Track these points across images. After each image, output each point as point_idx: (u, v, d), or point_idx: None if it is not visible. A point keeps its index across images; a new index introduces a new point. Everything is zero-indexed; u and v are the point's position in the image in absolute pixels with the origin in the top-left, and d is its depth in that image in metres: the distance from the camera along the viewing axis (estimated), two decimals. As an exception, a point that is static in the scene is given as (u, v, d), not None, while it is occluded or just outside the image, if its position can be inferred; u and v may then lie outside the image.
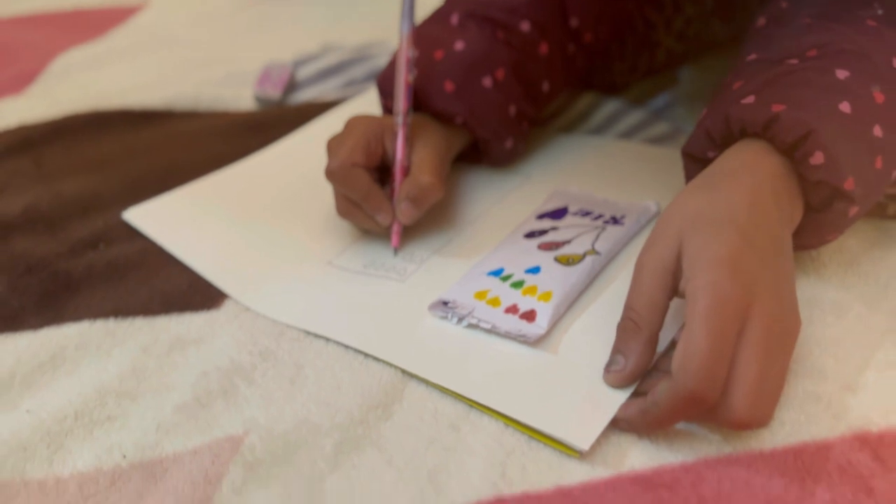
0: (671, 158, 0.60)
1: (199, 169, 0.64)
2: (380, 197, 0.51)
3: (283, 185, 0.62)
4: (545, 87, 0.60)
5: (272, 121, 0.71)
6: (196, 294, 0.52)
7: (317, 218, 0.57)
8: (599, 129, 0.67)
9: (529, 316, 0.44)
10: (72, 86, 0.80)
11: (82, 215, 0.59)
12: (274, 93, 0.75)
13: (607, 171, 0.60)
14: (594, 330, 0.44)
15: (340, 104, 0.74)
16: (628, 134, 0.66)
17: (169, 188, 0.62)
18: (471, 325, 0.45)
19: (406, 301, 0.48)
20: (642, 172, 0.59)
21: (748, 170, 0.41)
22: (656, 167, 0.60)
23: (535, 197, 0.57)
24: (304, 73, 0.80)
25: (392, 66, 0.56)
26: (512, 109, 0.58)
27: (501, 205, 0.57)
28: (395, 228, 0.52)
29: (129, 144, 0.69)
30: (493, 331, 0.44)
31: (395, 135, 0.52)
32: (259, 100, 0.76)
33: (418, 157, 0.52)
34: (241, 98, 0.76)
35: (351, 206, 0.52)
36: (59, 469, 0.40)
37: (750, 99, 0.43)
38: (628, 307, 0.40)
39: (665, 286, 0.39)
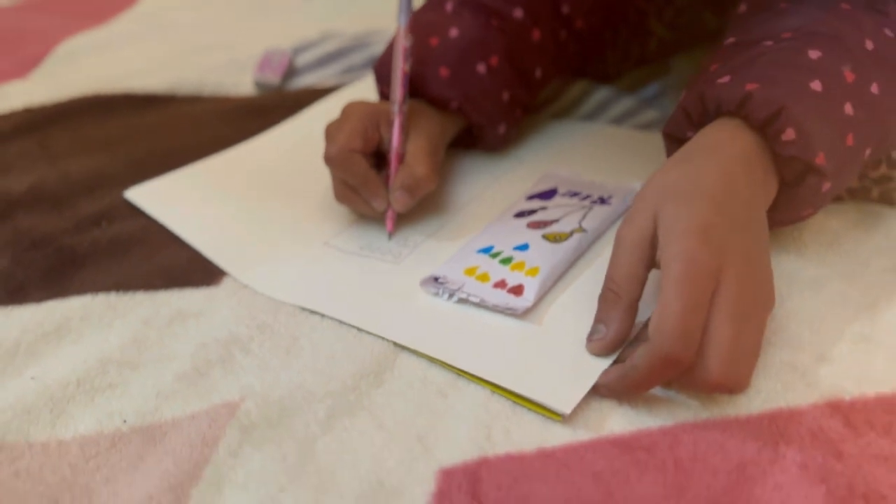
0: (658, 143, 0.61)
1: (200, 151, 0.65)
2: (376, 183, 0.52)
3: (282, 167, 0.63)
4: (538, 73, 0.62)
5: (272, 105, 0.72)
6: (196, 271, 0.53)
7: (315, 200, 0.59)
8: (591, 116, 0.68)
9: (517, 290, 0.46)
10: (76, 70, 0.82)
11: (87, 194, 0.61)
12: (274, 78, 0.76)
13: (597, 155, 0.61)
14: (579, 303, 0.45)
15: (339, 90, 0.75)
16: (619, 120, 0.67)
17: (171, 169, 0.63)
18: (461, 300, 0.47)
19: (399, 281, 0.49)
20: (630, 156, 0.60)
21: (722, 145, 0.43)
22: (644, 151, 0.61)
23: (526, 180, 0.58)
24: (303, 59, 0.81)
25: (389, 52, 0.57)
26: (505, 95, 0.59)
27: (493, 188, 0.58)
28: (390, 214, 0.53)
29: (132, 127, 0.70)
30: (481, 304, 0.46)
31: (391, 122, 0.53)
32: (259, 85, 0.77)
33: (414, 146, 0.53)
34: (241, 83, 0.78)
35: (348, 191, 0.53)
36: (61, 432, 0.41)
37: (725, 79, 0.44)
38: (609, 278, 0.42)
39: (643, 257, 0.41)
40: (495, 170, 0.61)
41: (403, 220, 0.55)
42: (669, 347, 0.36)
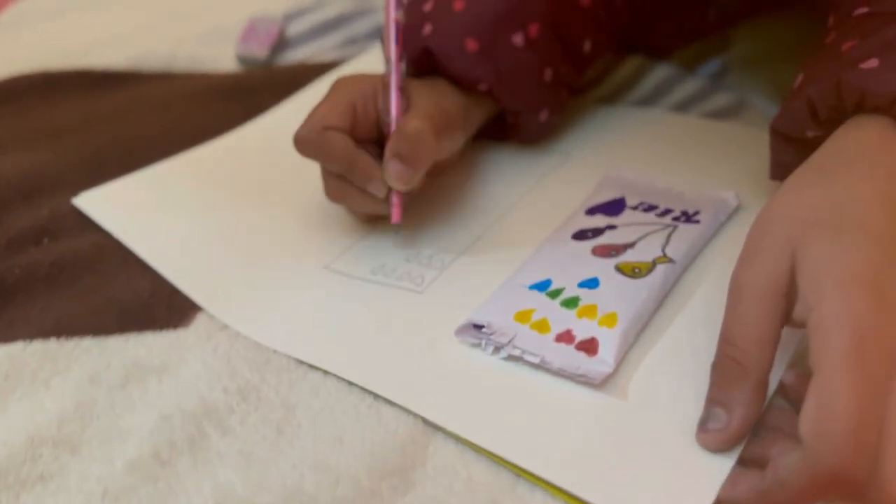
0: (740, 137, 0.50)
1: (169, 144, 0.53)
2: (367, 162, 0.40)
3: (272, 167, 0.51)
4: (587, 46, 0.50)
5: (258, 86, 0.61)
6: (160, 305, 0.41)
7: (313, 209, 0.47)
8: (647, 100, 0.57)
9: (589, 346, 0.34)
10: (23, 41, 0.69)
11: (23, 201, 0.48)
12: (260, 52, 0.65)
13: (663, 151, 0.50)
14: (673, 366, 0.34)
15: (339, 66, 0.63)
16: (683, 106, 0.56)
17: (132, 168, 0.51)
18: (511, 357, 0.35)
19: (426, 320, 0.38)
20: (707, 153, 0.49)
21: (873, 155, 0.33)
22: (723, 147, 0.49)
23: (577, 182, 0.46)
24: (295, 28, 0.69)
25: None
26: (548, 73, 0.48)
27: (536, 191, 0.47)
28: (394, 199, 0.41)
29: (87, 113, 0.58)
30: (542, 366, 0.34)
31: (386, 90, 0.42)
32: (242, 60, 0.65)
33: (412, 110, 0.42)
34: (221, 58, 0.66)
35: (340, 184, 0.42)
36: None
37: (872, 63, 0.34)
38: (727, 341, 0.31)
39: (775, 313, 0.30)
40: (535, 167, 0.49)
41: (425, 231, 0.44)
42: (838, 462, 0.25)
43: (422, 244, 0.43)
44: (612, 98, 0.57)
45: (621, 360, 0.34)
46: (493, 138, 0.51)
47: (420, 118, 0.41)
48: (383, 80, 0.42)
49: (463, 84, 0.45)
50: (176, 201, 0.48)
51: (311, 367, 0.37)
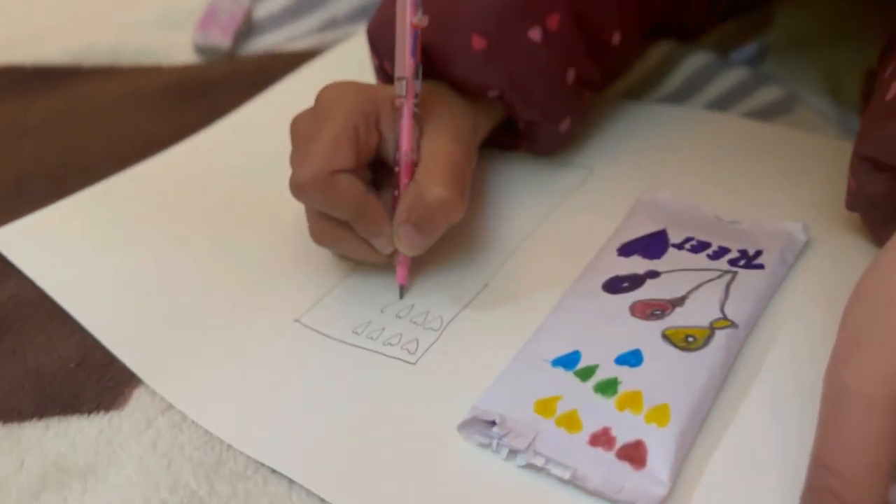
0: (799, 144, 0.42)
1: (111, 160, 0.45)
2: (378, 214, 0.34)
3: (234, 186, 0.43)
4: (616, 38, 0.42)
5: (219, 82, 0.53)
6: (90, 378, 0.34)
7: (283, 241, 0.39)
8: (680, 95, 0.49)
9: (634, 454, 0.26)
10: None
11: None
12: (222, 40, 0.58)
13: (703, 162, 0.42)
14: (739, 474, 0.26)
15: (316, 57, 0.55)
16: (722, 103, 0.47)
17: (64, 192, 0.43)
18: (531, 466, 0.27)
19: (420, 405, 0.30)
20: (757, 166, 0.41)
21: None
22: (777, 157, 0.41)
23: (604, 206, 0.39)
24: (263, 10, 0.62)
25: (389, 4, 0.37)
26: (570, 75, 0.40)
27: (555, 219, 0.39)
28: (401, 259, 0.35)
29: (11, 122, 0.50)
30: (573, 482, 0.26)
31: (396, 114, 0.34)
32: (201, 51, 0.58)
33: (428, 153, 0.34)
34: (175, 48, 0.58)
35: (335, 230, 0.35)
36: None
37: None
38: (824, 466, 0.23)
39: (892, 432, 0.22)
40: (552, 186, 0.41)
41: (420, 276, 0.36)
42: None
43: (416, 294, 0.35)
44: (636, 92, 0.49)
45: (677, 474, 0.26)
46: (499, 147, 0.43)
47: (443, 182, 0.33)
48: (394, 105, 0.34)
49: (468, 90, 0.38)
50: (115, 236, 0.40)
51: (275, 471, 0.29)
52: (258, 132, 0.47)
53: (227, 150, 0.46)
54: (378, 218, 0.34)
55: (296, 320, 0.35)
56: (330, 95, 0.35)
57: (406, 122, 0.34)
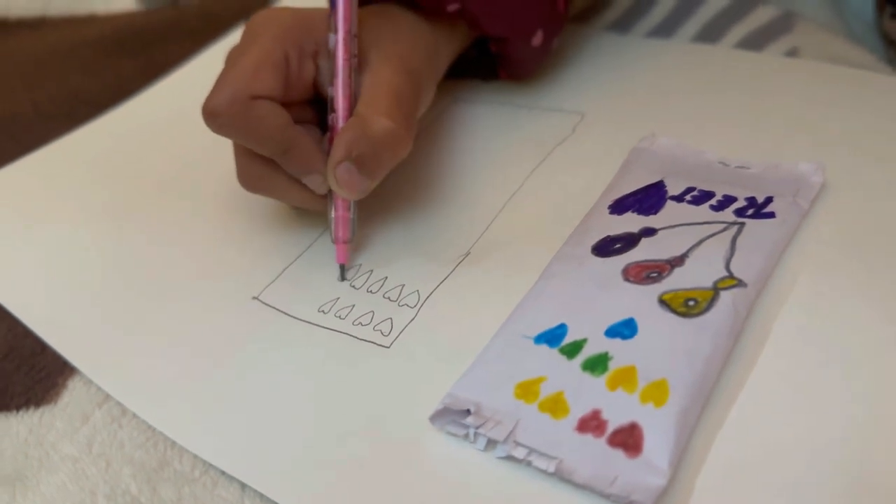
0: (804, 73, 0.38)
1: (40, 125, 0.42)
2: (309, 149, 0.29)
3: (179, 151, 0.39)
4: None
5: (161, 33, 0.48)
6: (20, 370, 0.31)
7: (235, 208, 0.35)
8: (669, 22, 0.44)
9: (628, 440, 0.22)
10: None
11: None
12: None
13: (707, 102, 0.37)
14: (749, 458, 0.23)
15: (269, 3, 0.49)
16: (713, 29, 0.42)
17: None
18: (512, 458, 0.23)
19: (393, 395, 0.27)
20: (765, 102, 0.36)
21: None
22: (787, 90, 0.37)
23: (599, 154, 0.34)
24: None
25: None
26: None
27: (544, 172, 0.35)
28: (340, 215, 0.30)
29: None
30: (559, 475, 0.23)
31: (333, 39, 0.30)
32: None
33: (371, 80, 0.30)
34: None
35: (263, 170, 0.30)
36: None
37: None
38: None
39: None
40: (539, 134, 0.37)
41: (391, 246, 0.32)
42: None
43: (388, 266, 0.31)
44: (623, 22, 0.44)
45: (678, 461, 0.22)
46: (480, 78, 0.39)
47: (387, 109, 0.28)
48: (330, 23, 0.30)
49: (425, 4, 0.33)
50: (46, 210, 0.37)
51: (225, 472, 0.25)
52: (202, 92, 0.43)
53: (169, 112, 0.41)
54: (308, 152, 0.29)
55: (254, 298, 0.31)
56: (259, 20, 0.30)
57: (341, 50, 0.29)
